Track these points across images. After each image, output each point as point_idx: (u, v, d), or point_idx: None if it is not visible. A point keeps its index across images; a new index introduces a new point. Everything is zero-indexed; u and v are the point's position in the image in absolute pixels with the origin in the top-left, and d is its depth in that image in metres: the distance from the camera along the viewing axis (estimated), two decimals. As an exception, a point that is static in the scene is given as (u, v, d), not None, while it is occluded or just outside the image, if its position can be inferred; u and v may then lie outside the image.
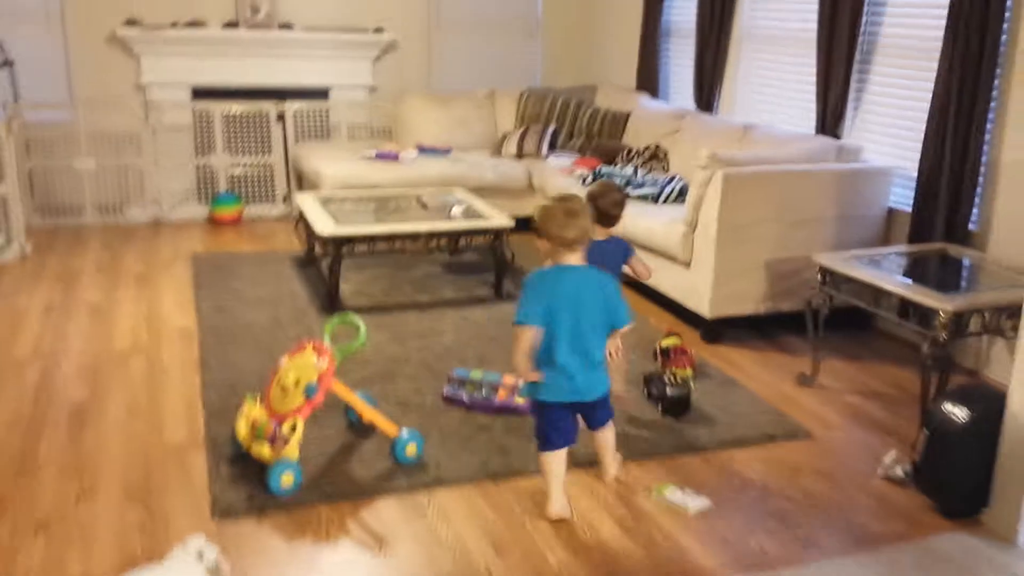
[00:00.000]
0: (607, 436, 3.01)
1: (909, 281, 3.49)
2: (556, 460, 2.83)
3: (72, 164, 6.22)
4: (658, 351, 3.97)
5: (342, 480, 3.01)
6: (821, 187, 4.30)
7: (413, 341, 4.22)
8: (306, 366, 2.99)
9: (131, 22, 6.34)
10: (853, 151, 4.52)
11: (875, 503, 3.02)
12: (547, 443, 2.84)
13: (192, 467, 3.11)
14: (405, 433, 3.11)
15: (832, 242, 4.36)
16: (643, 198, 5.10)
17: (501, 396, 3.54)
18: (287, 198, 6.69)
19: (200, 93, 6.63)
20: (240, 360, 3.94)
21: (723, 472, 3.17)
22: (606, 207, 3.35)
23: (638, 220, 4.76)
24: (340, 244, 4.53)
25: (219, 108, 6.47)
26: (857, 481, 3.15)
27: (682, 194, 5.08)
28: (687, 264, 4.42)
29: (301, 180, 6.49)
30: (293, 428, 2.92)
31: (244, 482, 2.98)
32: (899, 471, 3.16)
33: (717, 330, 4.36)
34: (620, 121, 6.34)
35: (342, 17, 6.82)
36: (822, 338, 3.92)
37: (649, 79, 6.54)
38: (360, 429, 3.33)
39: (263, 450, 2.92)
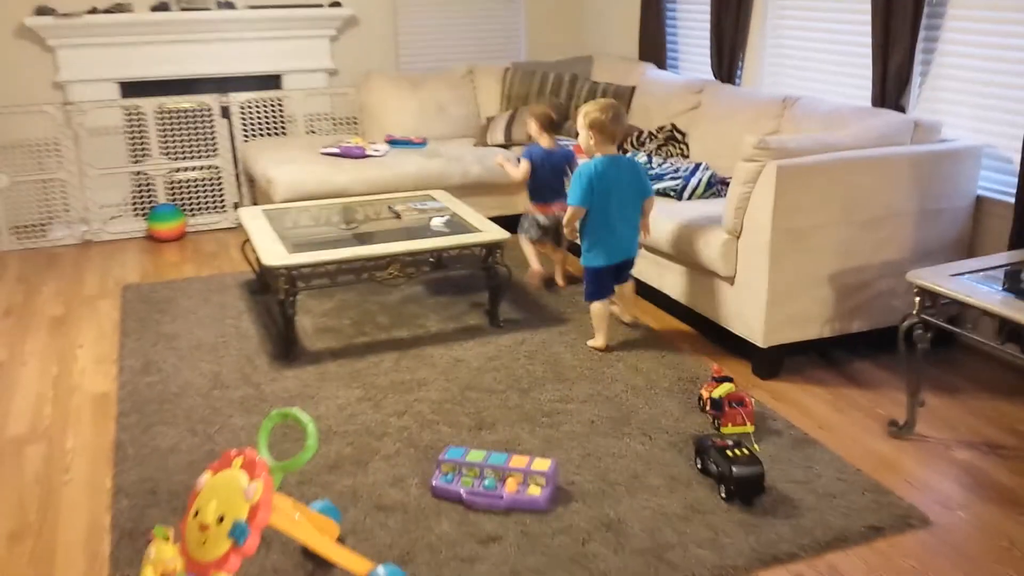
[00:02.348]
0: (630, 285, 3.85)
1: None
2: (602, 306, 3.70)
3: (-21, 182, 5.25)
4: (706, 402, 3.09)
5: (295, 650, 2.12)
6: (898, 176, 3.40)
7: (391, 399, 3.31)
8: (231, 492, 2.08)
9: (42, 11, 5.35)
10: (932, 128, 3.61)
11: (1046, 636, 2.15)
12: (597, 295, 3.70)
13: (86, 633, 2.22)
14: (381, 571, 2.21)
15: (911, 244, 3.48)
16: (663, 194, 4.19)
17: (511, 487, 2.64)
18: (238, 206, 5.74)
19: (130, 88, 5.66)
20: (166, 445, 3.03)
21: (825, 594, 2.30)
22: (558, 119, 4.32)
23: (661, 223, 3.85)
24: (294, 276, 3.61)
25: (151, 104, 5.49)
26: (1009, 596, 2.29)
27: (711, 186, 4.18)
28: (730, 280, 3.52)
29: (254, 184, 5.55)
30: (216, 591, 2.02)
31: (154, 662, 2.08)
32: (1064, 577, 2.29)
33: (773, 362, 3.47)
34: (624, 97, 5.40)
35: (292, -10, 5.85)
36: (914, 370, 3.02)
37: (654, 47, 5.59)
38: (322, 550, 2.42)
39: (176, 622, 2.02)
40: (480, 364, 3.59)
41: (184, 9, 5.59)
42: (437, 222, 4.05)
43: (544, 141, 4.29)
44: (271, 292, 3.80)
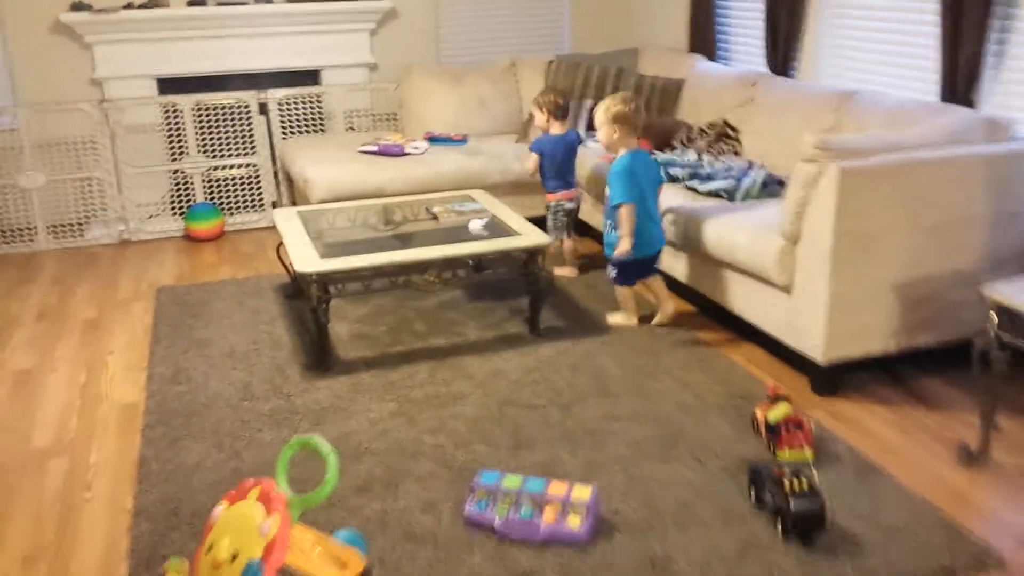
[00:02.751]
0: (660, 281, 3.84)
1: None
2: (631, 290, 3.81)
3: (17, 181, 5.20)
4: (762, 425, 2.88)
5: None
6: (970, 178, 3.14)
7: (426, 414, 3.15)
8: (246, 528, 1.94)
9: (78, 6, 5.27)
10: (1006, 126, 3.35)
11: None
12: (630, 281, 3.79)
13: (97, 671, 2.09)
14: (408, 614, 2.06)
15: (984, 251, 3.22)
16: (714, 195, 3.97)
17: (548, 517, 2.47)
18: (276, 204, 5.63)
19: (167, 85, 5.57)
20: (191, 462, 2.90)
21: (894, 647, 2.09)
22: (565, 104, 4.34)
23: (712, 227, 3.65)
24: (326, 283, 3.46)
25: (189, 101, 5.39)
26: (1102, 653, 2.06)
27: (765, 186, 3.95)
28: (786, 289, 3.30)
29: (292, 182, 5.43)
30: (228, 638, 1.88)
31: None
32: None
33: (833, 378, 3.24)
34: (672, 91, 5.18)
35: (331, -17, 5.71)
36: (988, 392, 2.78)
37: (704, 38, 5.35)
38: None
39: (186, 669, 1.88)
40: (519, 376, 3.41)
41: (221, 3, 5.48)
42: (475, 225, 3.88)
43: (555, 128, 4.32)
44: (305, 297, 3.66)
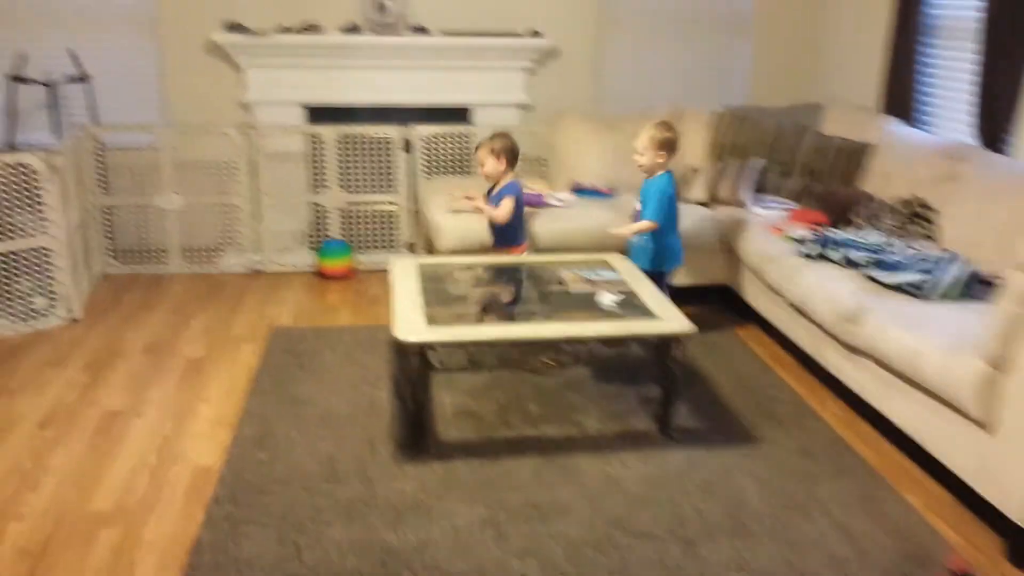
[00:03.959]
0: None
1: None
2: None
3: (155, 201, 5.11)
4: (939, 609, 2.23)
5: None
6: None
7: (520, 529, 2.67)
8: None
9: (232, 27, 5.16)
10: None
11: None
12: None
13: None
14: None
15: None
16: (902, 290, 3.31)
17: None
18: (413, 247, 5.32)
19: (315, 113, 5.38)
20: (245, 555, 2.54)
21: None
22: (517, 151, 4.14)
23: (890, 330, 3.01)
24: (426, 357, 3.05)
25: (333, 132, 5.16)
26: None
27: (968, 288, 3.25)
28: (985, 426, 2.62)
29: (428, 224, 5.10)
30: None
31: None
32: None
33: (1038, 549, 2.54)
34: (857, 156, 4.51)
35: (489, 19, 5.37)
36: None
37: (900, 98, 4.65)
38: None
39: None
40: (639, 491, 2.88)
41: (376, 32, 5.25)
42: (606, 299, 3.38)
43: (508, 179, 4.12)
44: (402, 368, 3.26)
